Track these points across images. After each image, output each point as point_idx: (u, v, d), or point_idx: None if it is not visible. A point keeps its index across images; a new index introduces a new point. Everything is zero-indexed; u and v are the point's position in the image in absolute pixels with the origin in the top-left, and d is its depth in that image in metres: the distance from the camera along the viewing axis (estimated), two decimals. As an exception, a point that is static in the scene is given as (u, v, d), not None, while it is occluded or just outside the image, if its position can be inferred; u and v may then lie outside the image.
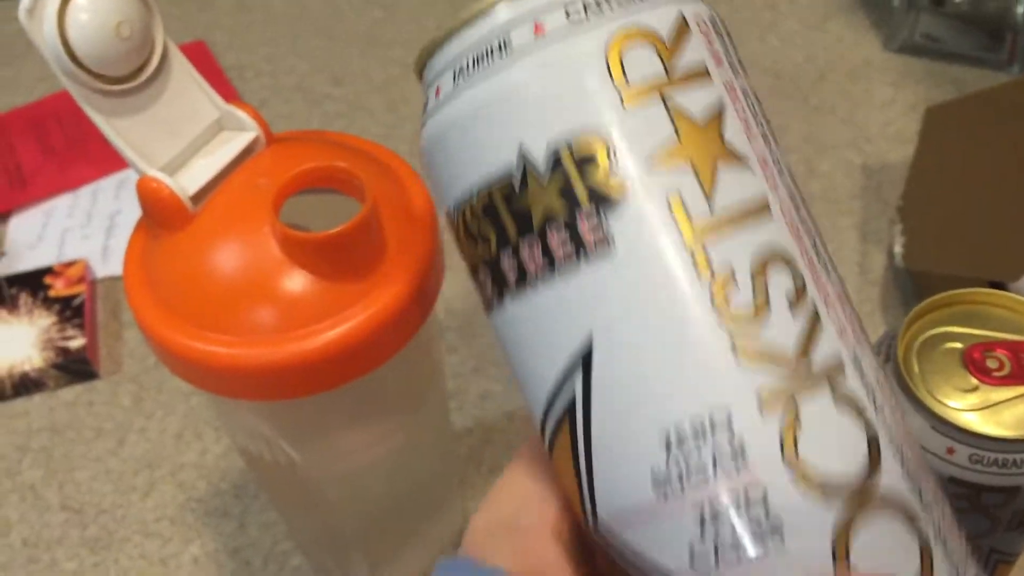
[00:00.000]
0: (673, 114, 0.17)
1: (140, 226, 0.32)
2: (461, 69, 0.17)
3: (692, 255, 0.17)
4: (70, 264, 0.54)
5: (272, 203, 0.29)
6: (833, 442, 0.17)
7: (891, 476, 0.17)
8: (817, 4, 0.68)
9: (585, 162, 0.17)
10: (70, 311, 0.52)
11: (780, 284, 0.17)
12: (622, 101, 0.17)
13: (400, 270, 0.30)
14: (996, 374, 0.31)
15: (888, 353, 0.32)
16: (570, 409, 0.17)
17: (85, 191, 0.59)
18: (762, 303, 0.17)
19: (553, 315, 0.17)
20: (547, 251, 0.17)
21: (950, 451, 0.30)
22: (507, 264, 0.18)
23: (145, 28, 0.29)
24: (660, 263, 0.17)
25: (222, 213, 0.30)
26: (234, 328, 0.29)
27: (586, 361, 0.17)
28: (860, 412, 0.17)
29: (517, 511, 0.19)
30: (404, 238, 0.31)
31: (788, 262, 0.17)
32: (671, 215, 0.17)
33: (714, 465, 0.17)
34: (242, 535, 0.46)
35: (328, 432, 0.33)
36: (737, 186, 0.17)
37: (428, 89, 0.19)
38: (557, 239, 0.17)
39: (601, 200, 0.17)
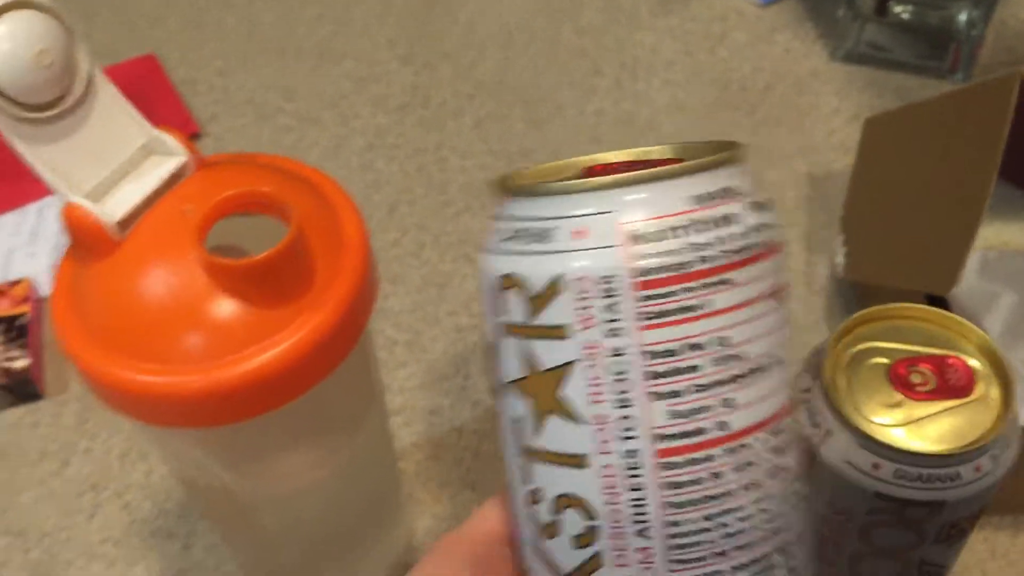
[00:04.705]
0: (525, 355, 0.20)
1: (69, 252, 0.32)
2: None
3: (519, 461, 0.20)
4: (15, 283, 0.54)
5: (197, 230, 0.29)
6: None
7: None
8: (765, 16, 0.69)
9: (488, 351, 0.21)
10: (14, 331, 0.51)
11: (572, 522, 0.19)
12: (503, 329, 0.20)
13: (330, 294, 0.30)
14: (920, 389, 0.31)
15: (815, 371, 0.32)
16: None
17: (31, 209, 0.59)
18: (553, 527, 0.20)
19: None
20: None
21: (876, 466, 0.31)
22: None
23: (67, 55, 0.29)
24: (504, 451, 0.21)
25: (148, 240, 0.30)
26: (161, 356, 0.29)
27: None
28: None
29: None
30: (334, 262, 0.31)
31: (586, 511, 0.19)
32: (511, 432, 0.20)
33: None
34: (187, 557, 0.45)
35: (262, 457, 0.33)
36: (560, 435, 0.19)
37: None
38: None
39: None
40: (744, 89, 0.64)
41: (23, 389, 0.50)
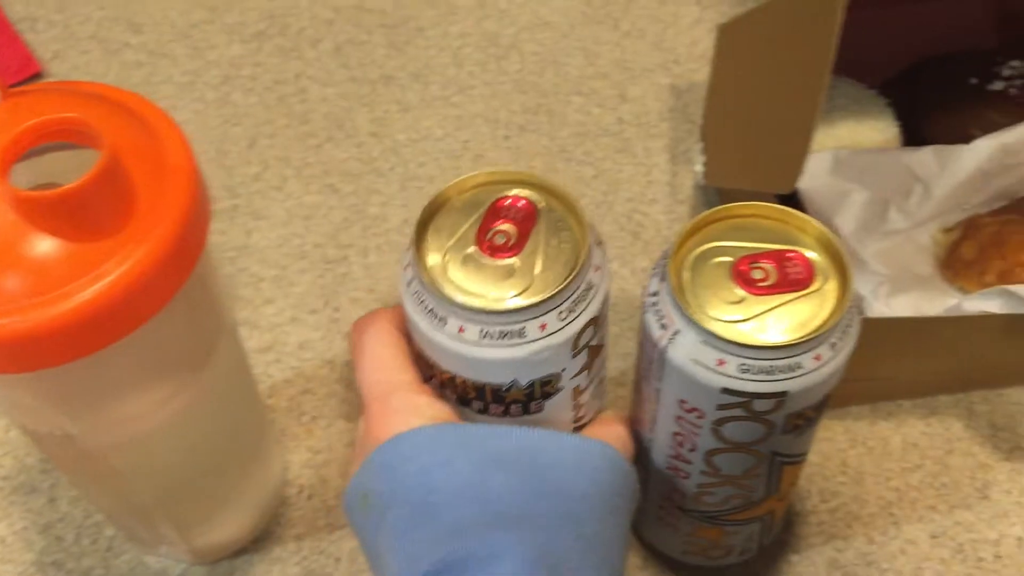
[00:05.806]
0: (590, 351, 0.33)
1: None
2: (487, 333, 0.31)
3: (574, 404, 0.35)
4: None
5: (0, 162, 0.27)
6: None
7: None
8: (625, -73, 0.68)
9: (545, 383, 0.33)
10: None
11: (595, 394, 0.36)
12: (573, 355, 0.32)
13: (155, 224, 0.29)
14: (761, 284, 0.32)
15: (663, 273, 0.32)
16: None
17: None
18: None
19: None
20: (506, 411, 0.34)
21: (720, 363, 0.31)
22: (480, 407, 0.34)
23: None
24: (562, 412, 0.34)
25: (-53, 177, 0.28)
26: (-27, 298, 0.27)
27: None
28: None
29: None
30: (158, 190, 0.29)
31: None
32: (574, 393, 0.34)
33: None
34: (52, 510, 0.44)
35: (98, 399, 0.32)
36: (598, 362, 0.35)
37: (448, 317, 0.31)
38: (515, 407, 0.34)
39: (546, 395, 0.33)
40: (608, 2, 0.64)
41: None
